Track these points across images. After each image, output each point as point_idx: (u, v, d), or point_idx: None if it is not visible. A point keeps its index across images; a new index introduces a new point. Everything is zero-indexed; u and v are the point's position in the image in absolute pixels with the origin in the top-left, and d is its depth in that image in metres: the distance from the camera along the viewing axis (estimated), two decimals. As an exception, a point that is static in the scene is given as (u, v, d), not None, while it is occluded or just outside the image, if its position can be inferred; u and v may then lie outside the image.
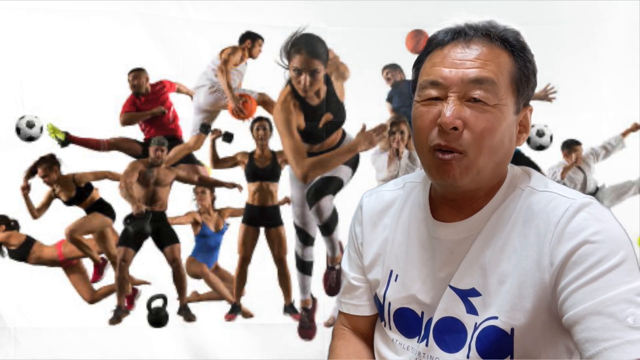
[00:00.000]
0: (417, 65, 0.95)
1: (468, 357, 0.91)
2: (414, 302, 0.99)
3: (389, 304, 1.02)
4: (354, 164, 3.01)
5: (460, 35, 0.90)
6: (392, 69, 3.14)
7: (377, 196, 1.09)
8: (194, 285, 3.06)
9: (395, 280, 1.01)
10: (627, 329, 0.75)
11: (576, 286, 0.80)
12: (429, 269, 0.97)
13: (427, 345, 0.96)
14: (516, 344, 0.88)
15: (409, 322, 1.00)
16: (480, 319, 0.90)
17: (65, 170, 2.97)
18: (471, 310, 0.91)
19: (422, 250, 0.98)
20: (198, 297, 3.06)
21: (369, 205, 1.09)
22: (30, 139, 2.92)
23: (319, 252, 3.05)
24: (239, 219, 3.10)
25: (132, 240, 3.00)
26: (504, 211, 0.91)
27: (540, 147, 3.10)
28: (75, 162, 2.96)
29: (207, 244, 3.10)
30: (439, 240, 0.96)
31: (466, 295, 0.92)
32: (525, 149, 3.09)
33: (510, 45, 0.90)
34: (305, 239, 3.02)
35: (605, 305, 0.77)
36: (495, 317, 0.89)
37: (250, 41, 3.04)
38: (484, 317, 0.90)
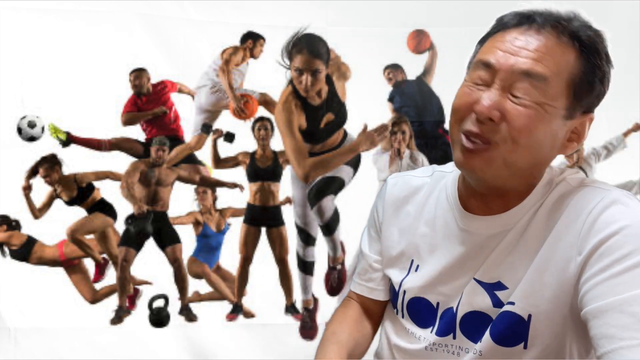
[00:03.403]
0: (480, 44, 0.90)
1: (480, 341, 0.90)
2: (431, 293, 0.97)
3: (404, 292, 1.01)
4: (355, 164, 3.01)
5: (527, 20, 0.84)
6: (393, 69, 3.14)
7: (403, 181, 1.06)
8: (196, 285, 3.06)
9: (416, 271, 1.00)
10: None
11: (600, 279, 0.78)
12: (453, 261, 0.94)
13: (454, 338, 0.94)
14: (532, 331, 0.86)
15: (422, 312, 0.99)
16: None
17: (67, 170, 2.96)
18: (497, 304, 0.89)
19: (447, 242, 0.96)
20: (199, 297, 3.06)
21: (394, 189, 1.06)
22: (32, 139, 2.91)
23: (320, 252, 3.05)
24: (241, 219, 3.10)
25: (133, 240, 2.99)
26: (538, 207, 0.89)
27: (542, 147, 3.10)
28: (76, 162, 2.96)
29: (208, 244, 3.10)
30: (469, 233, 0.93)
31: (492, 289, 0.90)
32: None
33: (580, 44, 0.83)
34: (307, 239, 3.02)
35: (629, 304, 0.75)
36: (512, 303, 0.87)
37: (251, 41, 3.04)
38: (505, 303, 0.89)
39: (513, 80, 0.82)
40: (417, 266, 1.00)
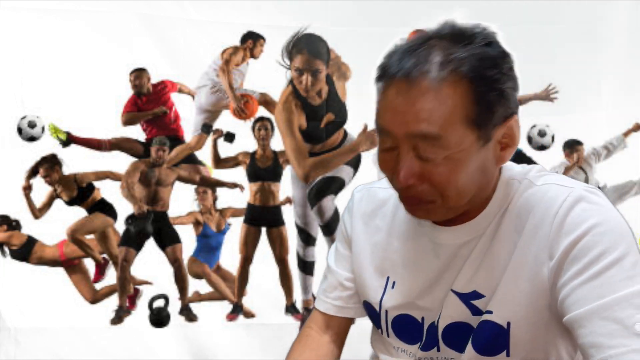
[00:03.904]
0: (377, 84, 0.86)
1: (464, 352, 0.90)
2: (414, 309, 0.95)
3: (386, 311, 0.98)
4: (355, 164, 3.01)
5: (402, 73, 0.80)
6: (393, 69, 3.13)
7: (369, 194, 1.03)
8: (196, 285, 3.07)
9: (393, 288, 0.97)
10: (634, 337, 0.73)
11: (577, 283, 0.77)
12: (430, 274, 0.93)
13: (438, 350, 0.94)
14: (512, 338, 0.85)
15: (409, 329, 0.97)
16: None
17: (67, 170, 2.97)
18: (476, 312, 0.89)
19: (422, 256, 0.94)
20: (200, 297, 3.06)
21: (361, 204, 1.04)
22: (32, 139, 2.92)
23: (320, 252, 3.05)
24: (241, 219, 3.10)
25: (133, 240, 2.99)
26: (505, 208, 0.88)
27: (542, 147, 3.10)
28: (76, 162, 2.96)
29: (208, 244, 3.11)
30: (440, 245, 0.92)
31: (469, 299, 0.89)
32: (527, 149, 3.09)
33: (463, 77, 0.78)
34: (307, 239, 3.02)
35: (612, 309, 0.74)
36: (490, 312, 0.86)
37: (251, 41, 3.04)
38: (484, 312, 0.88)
39: (413, 143, 0.80)
40: (394, 283, 0.97)
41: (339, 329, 1.07)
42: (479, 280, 0.88)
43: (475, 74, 0.78)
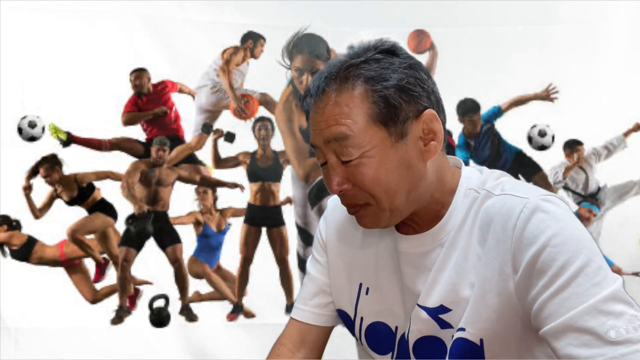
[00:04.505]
0: (304, 106, 0.93)
1: None
2: (389, 316, 0.96)
3: (361, 318, 0.99)
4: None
5: (314, 93, 0.88)
6: (393, 69, 3.13)
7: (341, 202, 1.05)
8: (196, 285, 3.06)
9: (367, 294, 0.98)
10: (609, 345, 0.74)
11: (547, 296, 0.78)
12: (399, 282, 0.94)
13: None
14: (487, 354, 0.85)
15: (381, 338, 0.98)
16: (455, 332, 0.89)
17: (67, 170, 2.97)
18: (445, 325, 0.89)
19: (391, 263, 0.96)
20: (200, 297, 3.06)
21: (335, 213, 1.06)
22: (32, 139, 2.92)
23: (320, 252, 3.05)
24: (241, 219, 3.10)
25: (134, 240, 3.00)
26: (464, 219, 0.89)
27: (542, 147, 3.10)
28: (77, 162, 2.96)
29: (209, 244, 3.11)
30: (403, 254, 0.93)
31: (436, 314, 0.90)
32: (527, 149, 3.09)
33: (359, 80, 0.85)
34: (307, 239, 3.03)
35: (584, 320, 0.75)
36: (463, 329, 0.87)
37: (252, 41, 3.04)
38: (456, 329, 0.88)
39: (332, 149, 0.87)
40: (367, 289, 0.99)
41: (316, 343, 1.06)
42: (444, 293, 0.89)
43: (370, 76, 0.85)
